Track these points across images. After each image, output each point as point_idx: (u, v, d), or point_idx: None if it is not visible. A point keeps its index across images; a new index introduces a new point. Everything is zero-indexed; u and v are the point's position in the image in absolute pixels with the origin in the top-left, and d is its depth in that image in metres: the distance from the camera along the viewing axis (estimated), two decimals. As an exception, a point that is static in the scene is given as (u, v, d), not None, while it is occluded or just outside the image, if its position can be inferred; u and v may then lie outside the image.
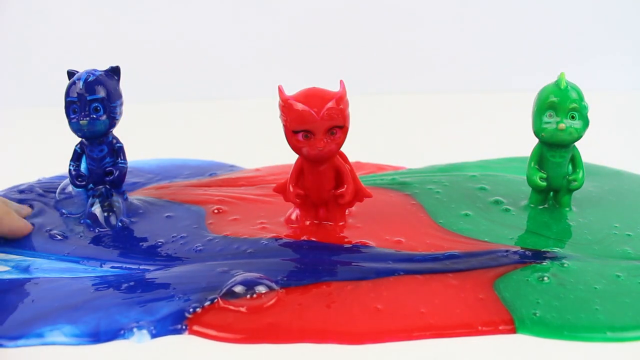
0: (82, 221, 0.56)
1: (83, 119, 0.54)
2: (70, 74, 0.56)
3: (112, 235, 0.54)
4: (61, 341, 0.41)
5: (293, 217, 0.55)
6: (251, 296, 0.44)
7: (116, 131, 0.57)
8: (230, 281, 0.45)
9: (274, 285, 0.45)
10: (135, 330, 0.42)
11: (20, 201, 0.60)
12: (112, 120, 0.55)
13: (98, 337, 0.41)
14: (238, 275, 0.46)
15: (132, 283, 0.47)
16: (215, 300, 0.44)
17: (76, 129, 0.55)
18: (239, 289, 0.44)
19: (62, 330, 0.42)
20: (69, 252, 0.52)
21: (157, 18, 1.13)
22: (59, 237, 0.54)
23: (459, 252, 0.49)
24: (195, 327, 0.42)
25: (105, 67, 0.56)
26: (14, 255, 0.52)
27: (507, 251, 0.49)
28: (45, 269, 0.50)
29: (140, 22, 1.13)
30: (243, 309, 0.43)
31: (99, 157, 0.57)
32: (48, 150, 0.75)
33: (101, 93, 0.54)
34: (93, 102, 0.54)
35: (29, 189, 0.63)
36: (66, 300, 0.45)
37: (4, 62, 1.11)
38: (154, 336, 0.41)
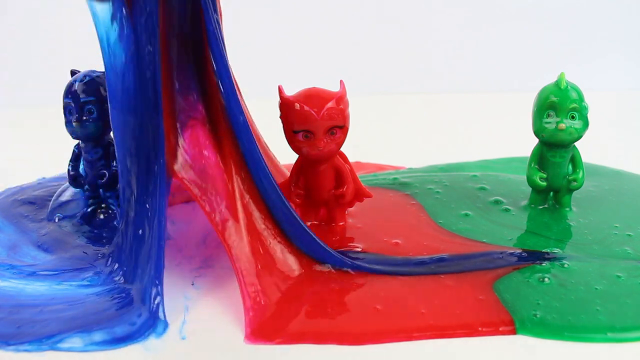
0: (77, 221, 0.56)
1: (76, 121, 0.54)
2: (73, 73, 0.56)
3: (107, 237, 0.54)
4: (75, 348, 0.41)
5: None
6: None
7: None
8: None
9: None
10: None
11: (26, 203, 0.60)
12: (107, 123, 0.54)
13: (113, 342, 0.41)
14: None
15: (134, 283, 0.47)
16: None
17: (70, 130, 0.55)
18: None
19: (74, 337, 0.41)
20: (65, 255, 0.52)
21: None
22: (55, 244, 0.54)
23: (448, 255, 0.49)
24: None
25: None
26: (17, 261, 0.51)
27: (502, 253, 0.49)
28: (47, 274, 0.49)
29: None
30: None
31: (94, 159, 0.56)
32: (49, 150, 0.75)
33: (95, 95, 0.54)
34: (87, 104, 0.54)
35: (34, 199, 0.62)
36: (71, 307, 0.44)
37: (4, 62, 1.11)
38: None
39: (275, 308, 0.44)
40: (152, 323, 0.42)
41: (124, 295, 0.46)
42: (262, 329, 0.42)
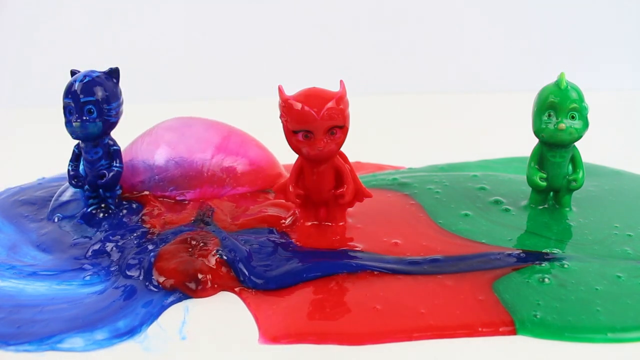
0: (77, 221, 0.56)
1: (76, 121, 0.54)
2: (73, 73, 0.56)
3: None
4: (76, 347, 0.41)
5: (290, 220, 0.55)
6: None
7: (118, 131, 0.57)
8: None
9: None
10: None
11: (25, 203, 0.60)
12: (107, 123, 0.55)
13: (116, 337, 0.41)
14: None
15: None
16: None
17: (70, 130, 0.55)
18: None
19: (75, 337, 0.41)
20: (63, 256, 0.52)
21: (159, 18, 1.13)
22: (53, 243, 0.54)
23: (442, 257, 0.49)
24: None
25: (108, 67, 0.56)
26: (17, 261, 0.51)
27: (500, 254, 0.49)
28: (47, 274, 0.49)
29: (142, 23, 1.13)
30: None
31: (94, 160, 0.56)
32: (49, 150, 0.75)
33: (95, 95, 0.54)
34: (86, 104, 0.53)
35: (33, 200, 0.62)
36: (72, 307, 0.45)
37: (4, 62, 1.11)
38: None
39: (277, 309, 0.44)
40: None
41: (126, 287, 0.46)
42: (265, 330, 0.42)
